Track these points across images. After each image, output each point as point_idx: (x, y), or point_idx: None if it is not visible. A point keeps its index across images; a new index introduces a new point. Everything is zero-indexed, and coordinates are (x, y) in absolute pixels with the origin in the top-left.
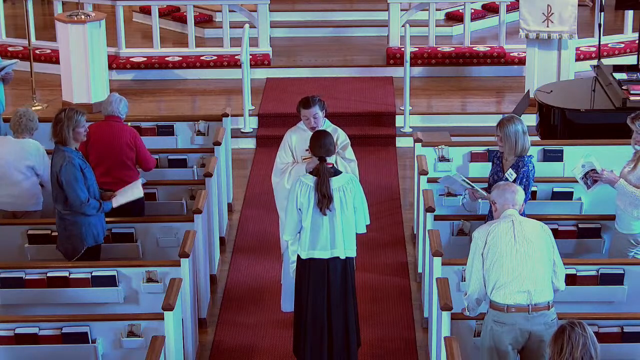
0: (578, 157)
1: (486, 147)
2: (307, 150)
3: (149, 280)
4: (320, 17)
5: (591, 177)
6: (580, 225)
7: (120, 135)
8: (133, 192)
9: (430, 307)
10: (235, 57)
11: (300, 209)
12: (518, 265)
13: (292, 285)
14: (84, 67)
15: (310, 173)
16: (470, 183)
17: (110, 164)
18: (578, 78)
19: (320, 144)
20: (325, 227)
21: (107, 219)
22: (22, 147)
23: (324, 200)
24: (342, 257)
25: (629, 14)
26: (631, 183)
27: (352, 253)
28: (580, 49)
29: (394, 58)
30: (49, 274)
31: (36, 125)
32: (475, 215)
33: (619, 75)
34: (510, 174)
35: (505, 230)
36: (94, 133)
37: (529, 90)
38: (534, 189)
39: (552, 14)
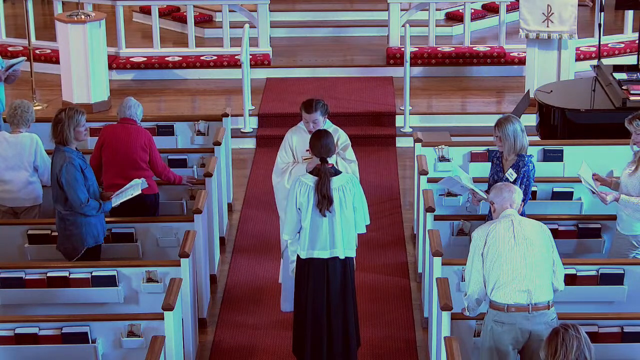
0: (578, 157)
1: (486, 147)
2: (307, 150)
3: (149, 280)
4: (320, 17)
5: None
6: (580, 225)
7: (136, 137)
8: (132, 191)
9: (430, 307)
10: (235, 57)
11: (299, 209)
12: (518, 264)
13: (292, 285)
14: (84, 67)
15: (311, 173)
16: (471, 184)
17: (124, 165)
18: (578, 78)
19: (320, 144)
20: (324, 226)
21: (107, 219)
22: (16, 143)
23: (324, 201)
24: (342, 257)
25: (629, 14)
26: (631, 185)
27: (352, 253)
28: (580, 49)
29: (394, 58)
30: (49, 274)
31: (32, 116)
32: (475, 215)
33: (619, 75)
34: (511, 174)
35: (505, 230)
36: (109, 135)
37: (529, 90)
38: (534, 189)
39: (552, 14)
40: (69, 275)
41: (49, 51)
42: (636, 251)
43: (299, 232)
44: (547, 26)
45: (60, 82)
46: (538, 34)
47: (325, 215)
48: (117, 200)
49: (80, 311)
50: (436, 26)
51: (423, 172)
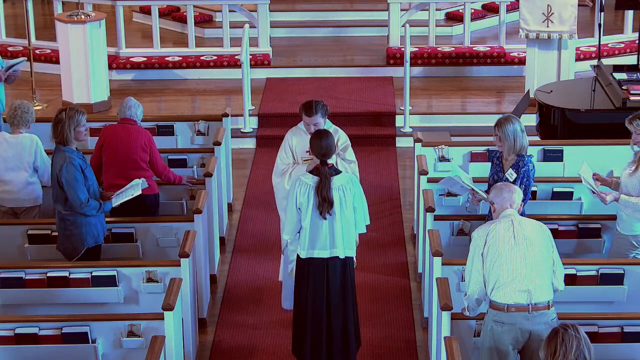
0: (578, 157)
1: (486, 147)
2: (307, 151)
3: (149, 280)
4: (320, 17)
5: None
6: (580, 225)
7: (137, 137)
8: (132, 191)
9: (430, 307)
10: (235, 57)
11: (299, 209)
12: (518, 264)
13: (292, 283)
14: (84, 67)
15: (310, 172)
16: (471, 184)
17: (124, 165)
18: (578, 78)
19: (321, 144)
20: (324, 226)
21: (107, 219)
22: (16, 143)
23: (324, 204)
24: (342, 256)
25: (629, 14)
26: (631, 185)
27: (352, 252)
28: (580, 49)
29: (394, 58)
30: (49, 274)
31: (32, 117)
32: (475, 215)
33: (619, 75)
34: (511, 174)
35: (505, 230)
36: (109, 135)
37: (529, 90)
38: (534, 189)
39: (552, 14)
40: (69, 275)
41: (49, 51)
42: (636, 251)
43: (298, 232)
44: (547, 26)
45: (60, 82)
46: (538, 34)
47: (325, 218)
48: (117, 200)
49: (80, 311)
50: (436, 26)
51: (423, 172)
